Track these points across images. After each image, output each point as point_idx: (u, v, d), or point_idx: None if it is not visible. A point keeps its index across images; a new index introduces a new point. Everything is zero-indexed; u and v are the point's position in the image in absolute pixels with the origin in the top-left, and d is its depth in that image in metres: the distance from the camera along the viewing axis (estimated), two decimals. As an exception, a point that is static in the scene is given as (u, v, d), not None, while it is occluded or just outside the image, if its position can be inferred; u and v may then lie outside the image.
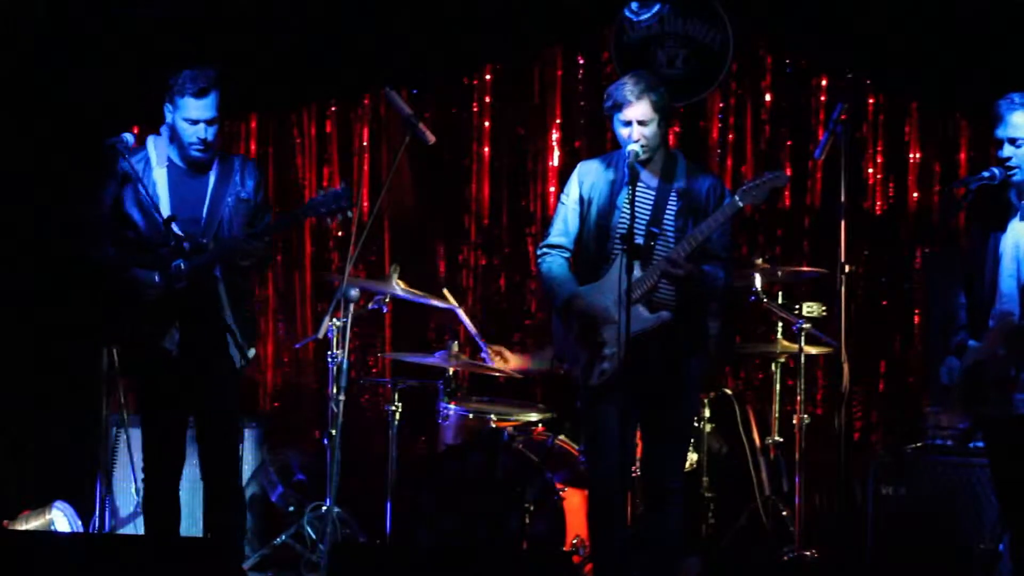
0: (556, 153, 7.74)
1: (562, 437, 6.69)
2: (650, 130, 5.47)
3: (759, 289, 6.71)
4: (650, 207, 5.52)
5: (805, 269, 6.97)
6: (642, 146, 5.45)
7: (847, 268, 5.27)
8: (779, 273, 6.82)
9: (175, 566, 4.93)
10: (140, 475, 5.74)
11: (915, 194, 7.41)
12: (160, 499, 5.63)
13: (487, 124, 7.81)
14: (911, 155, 7.42)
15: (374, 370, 7.81)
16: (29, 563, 4.89)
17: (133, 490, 6.76)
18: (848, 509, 6.21)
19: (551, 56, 7.74)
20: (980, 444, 6.10)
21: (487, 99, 7.81)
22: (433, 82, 7.73)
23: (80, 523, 6.79)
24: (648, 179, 5.55)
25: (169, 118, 5.55)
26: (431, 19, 7.32)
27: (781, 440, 6.91)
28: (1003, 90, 5.25)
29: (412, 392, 6.92)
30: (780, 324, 6.88)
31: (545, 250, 5.70)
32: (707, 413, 6.88)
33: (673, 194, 5.55)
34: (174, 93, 5.50)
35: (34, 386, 7.24)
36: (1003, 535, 5.87)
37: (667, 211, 5.52)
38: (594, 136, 7.54)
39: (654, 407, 5.54)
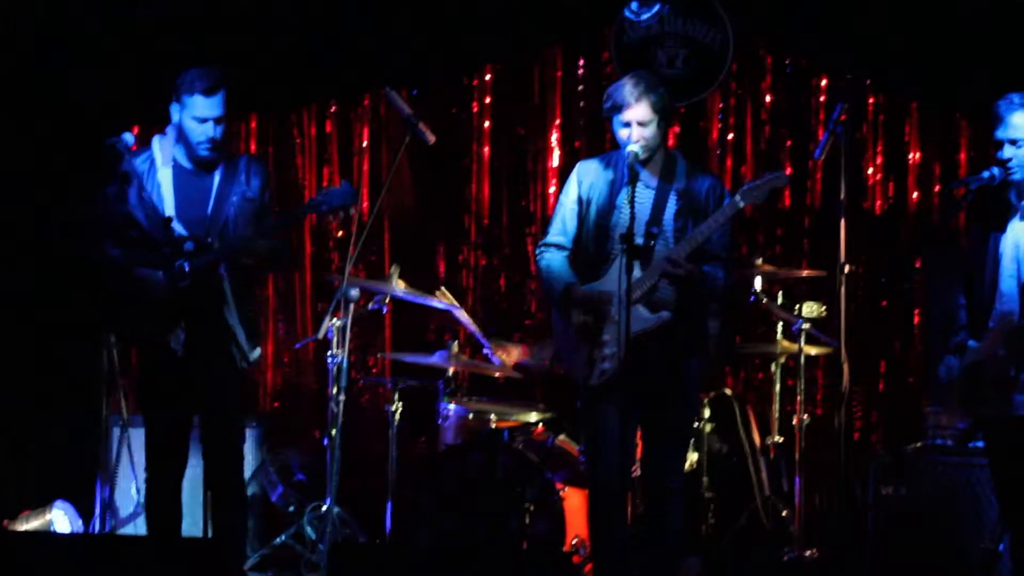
0: (556, 153, 7.75)
1: (562, 437, 6.69)
2: (650, 131, 5.47)
3: (759, 289, 6.72)
4: (650, 207, 5.52)
5: (804, 274, 6.97)
6: (642, 147, 5.45)
7: (847, 268, 5.27)
8: (778, 275, 6.84)
9: (175, 566, 4.93)
10: (140, 475, 5.74)
11: (915, 194, 7.42)
12: (162, 499, 5.62)
13: (487, 124, 7.82)
14: (911, 155, 7.42)
15: (374, 370, 7.81)
16: (29, 563, 4.89)
17: (133, 490, 6.76)
18: (848, 509, 6.21)
19: (551, 56, 7.74)
20: (980, 444, 6.10)
21: (487, 99, 7.81)
22: (433, 82, 7.73)
23: (80, 523, 6.79)
24: (648, 179, 5.55)
25: (176, 117, 5.55)
26: (431, 19, 7.32)
27: (781, 440, 6.91)
28: (1003, 90, 5.24)
29: (412, 392, 6.91)
30: (780, 324, 6.88)
31: (544, 248, 5.70)
32: (707, 413, 6.88)
33: (673, 194, 5.54)
34: (182, 92, 5.49)
35: (34, 386, 7.24)
36: (1003, 535, 5.87)
37: (667, 211, 5.52)
38: (594, 136, 7.54)
39: (654, 407, 5.54)
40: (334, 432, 5.95)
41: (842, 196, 5.31)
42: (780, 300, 6.81)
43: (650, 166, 5.55)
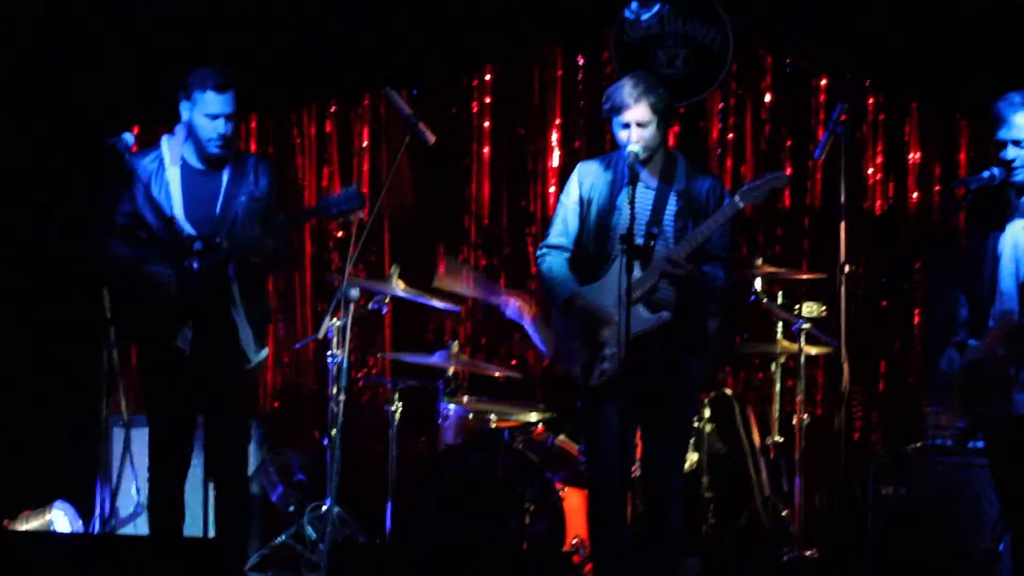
0: (556, 153, 7.74)
1: (562, 437, 6.69)
2: (649, 132, 5.46)
3: (759, 289, 6.72)
4: (650, 207, 5.52)
5: (804, 277, 6.97)
6: (642, 147, 5.45)
7: (847, 268, 5.27)
8: (778, 275, 6.84)
9: (176, 566, 4.93)
10: (139, 475, 5.74)
11: (915, 194, 7.41)
12: (165, 499, 5.62)
13: (487, 124, 7.81)
14: (911, 155, 7.42)
15: (374, 370, 7.81)
16: (29, 563, 4.89)
17: (133, 490, 6.76)
18: (848, 509, 6.21)
19: (551, 56, 7.73)
20: (980, 444, 6.10)
21: (487, 99, 7.81)
22: (433, 82, 7.73)
23: (80, 523, 6.79)
24: (648, 179, 5.54)
25: (186, 115, 5.55)
26: (431, 19, 7.32)
27: (781, 440, 6.91)
28: (1003, 90, 5.23)
29: (412, 392, 6.92)
30: (780, 324, 6.88)
31: (545, 250, 5.70)
32: (707, 413, 6.88)
33: (673, 195, 5.54)
34: (193, 89, 5.50)
35: (34, 386, 7.24)
36: (1003, 535, 5.87)
37: (667, 211, 5.52)
38: (594, 136, 7.54)
39: (654, 407, 5.54)
40: (334, 432, 5.95)
41: (842, 196, 5.31)
42: (780, 300, 6.81)
43: (650, 166, 5.55)
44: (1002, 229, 5.27)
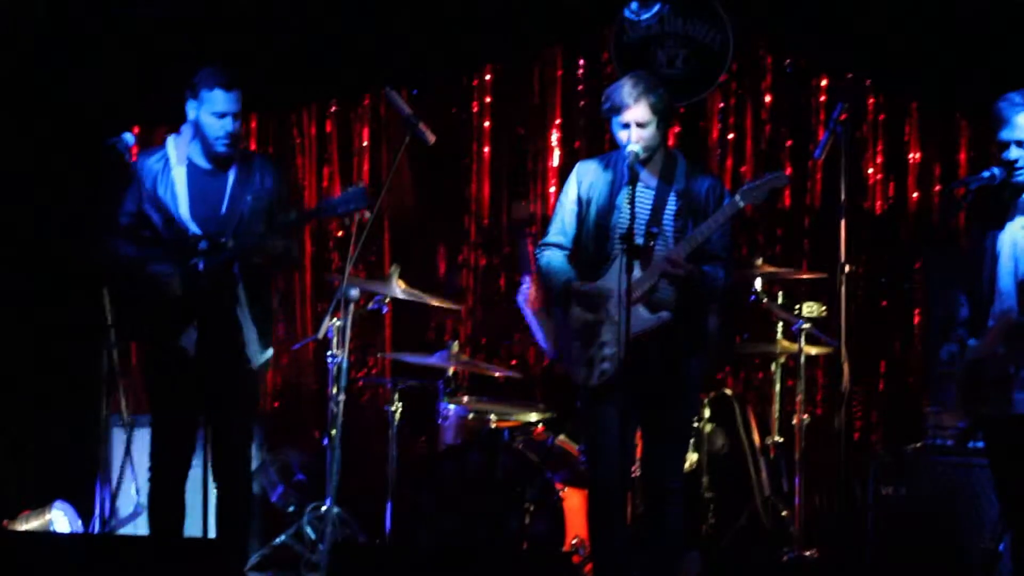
0: (556, 153, 7.74)
1: (562, 437, 6.69)
2: (648, 132, 5.46)
3: (759, 289, 6.72)
4: (649, 207, 5.52)
5: (804, 277, 6.97)
6: (642, 147, 5.45)
7: (847, 268, 5.27)
8: (778, 275, 6.84)
9: (176, 566, 4.93)
10: (139, 475, 5.73)
11: (915, 194, 7.41)
12: (166, 498, 5.62)
13: (487, 124, 7.82)
14: (911, 155, 7.42)
15: (374, 370, 7.80)
16: (29, 563, 4.89)
17: (133, 490, 6.76)
18: (848, 509, 6.21)
19: (551, 56, 7.73)
20: (980, 444, 6.10)
21: (487, 99, 7.81)
22: (433, 82, 7.73)
23: (80, 523, 6.78)
24: (648, 179, 5.54)
25: (193, 114, 5.55)
26: (431, 19, 7.32)
27: (781, 440, 6.91)
28: (1003, 90, 5.23)
29: (412, 392, 6.91)
30: (780, 324, 6.88)
31: (543, 247, 5.71)
32: (707, 413, 6.88)
33: (673, 195, 5.54)
34: (200, 88, 5.50)
35: (34, 386, 7.24)
36: (1003, 535, 5.87)
37: (666, 211, 5.52)
38: (594, 136, 7.54)
39: (654, 407, 5.54)
40: (334, 432, 5.94)
41: (842, 196, 5.31)
42: (780, 300, 6.81)
43: (650, 166, 5.55)
44: (1001, 228, 5.26)
